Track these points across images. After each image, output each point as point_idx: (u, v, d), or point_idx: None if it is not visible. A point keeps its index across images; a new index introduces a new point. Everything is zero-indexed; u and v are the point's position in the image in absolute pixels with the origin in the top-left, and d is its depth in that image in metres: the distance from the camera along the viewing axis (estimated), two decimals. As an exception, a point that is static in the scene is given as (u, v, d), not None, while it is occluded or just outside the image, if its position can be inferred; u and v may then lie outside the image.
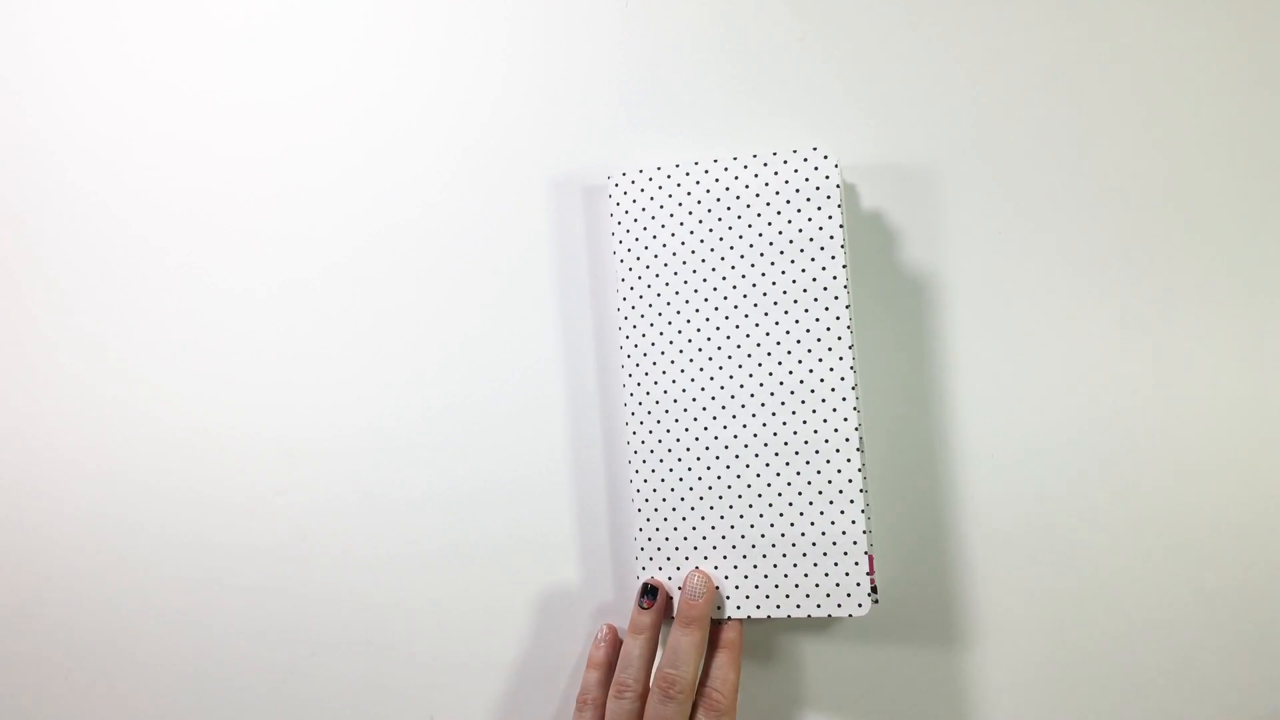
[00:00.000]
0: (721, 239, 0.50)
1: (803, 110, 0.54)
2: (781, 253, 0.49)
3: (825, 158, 0.49)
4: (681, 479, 0.49)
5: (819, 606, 0.47)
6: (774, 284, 0.49)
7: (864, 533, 0.47)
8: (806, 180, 0.50)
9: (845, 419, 0.48)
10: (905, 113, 0.54)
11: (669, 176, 0.51)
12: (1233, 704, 0.50)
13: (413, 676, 0.52)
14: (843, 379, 0.48)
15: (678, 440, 0.50)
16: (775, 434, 0.49)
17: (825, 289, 0.49)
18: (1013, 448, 0.52)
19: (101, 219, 0.54)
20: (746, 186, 0.50)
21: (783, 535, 0.48)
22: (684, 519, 0.49)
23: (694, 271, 0.50)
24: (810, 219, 0.49)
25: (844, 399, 0.48)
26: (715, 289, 0.50)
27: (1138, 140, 0.53)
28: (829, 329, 0.49)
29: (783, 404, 0.49)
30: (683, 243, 0.51)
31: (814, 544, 0.48)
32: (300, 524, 0.52)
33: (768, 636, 0.52)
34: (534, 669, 0.52)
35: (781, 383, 0.49)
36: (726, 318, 0.50)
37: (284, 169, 0.54)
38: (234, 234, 0.54)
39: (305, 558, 0.52)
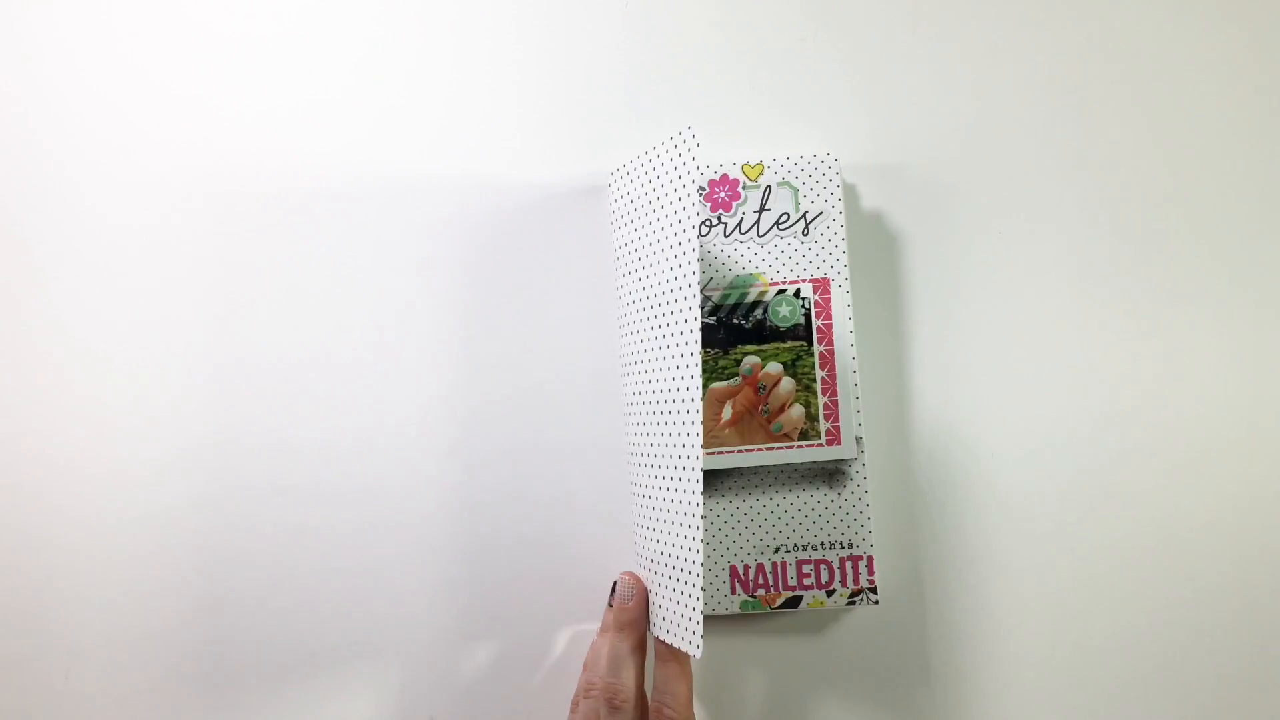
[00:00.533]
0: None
1: (803, 110, 0.54)
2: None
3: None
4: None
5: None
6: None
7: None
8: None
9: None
10: (905, 113, 0.54)
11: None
12: (1234, 703, 0.50)
13: (413, 676, 0.52)
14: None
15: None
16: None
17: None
18: (1013, 447, 0.52)
19: (100, 222, 0.54)
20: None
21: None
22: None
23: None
24: (810, 219, 0.49)
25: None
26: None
27: (1137, 140, 0.53)
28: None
29: (783, 404, 0.49)
30: (683, 243, 0.51)
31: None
32: (300, 524, 0.52)
33: (766, 637, 0.52)
34: (533, 670, 0.52)
35: (782, 382, 0.49)
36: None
37: (284, 173, 0.54)
38: (234, 238, 0.54)
39: (305, 558, 0.52)
